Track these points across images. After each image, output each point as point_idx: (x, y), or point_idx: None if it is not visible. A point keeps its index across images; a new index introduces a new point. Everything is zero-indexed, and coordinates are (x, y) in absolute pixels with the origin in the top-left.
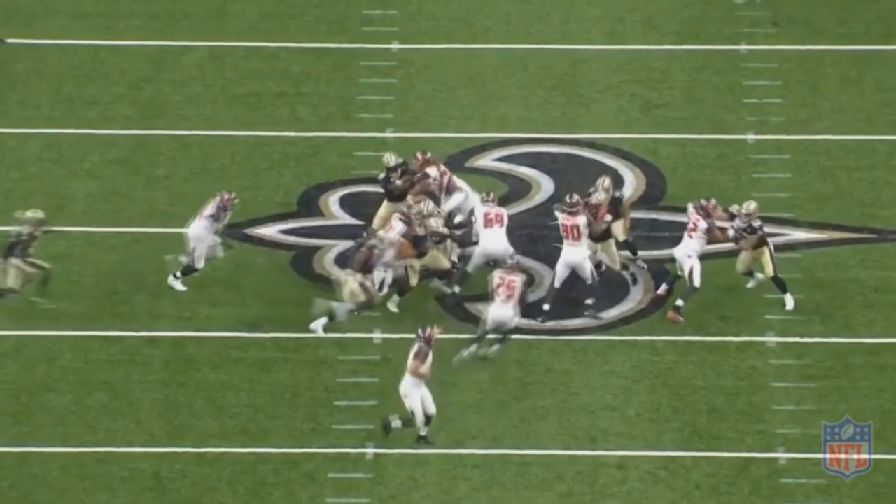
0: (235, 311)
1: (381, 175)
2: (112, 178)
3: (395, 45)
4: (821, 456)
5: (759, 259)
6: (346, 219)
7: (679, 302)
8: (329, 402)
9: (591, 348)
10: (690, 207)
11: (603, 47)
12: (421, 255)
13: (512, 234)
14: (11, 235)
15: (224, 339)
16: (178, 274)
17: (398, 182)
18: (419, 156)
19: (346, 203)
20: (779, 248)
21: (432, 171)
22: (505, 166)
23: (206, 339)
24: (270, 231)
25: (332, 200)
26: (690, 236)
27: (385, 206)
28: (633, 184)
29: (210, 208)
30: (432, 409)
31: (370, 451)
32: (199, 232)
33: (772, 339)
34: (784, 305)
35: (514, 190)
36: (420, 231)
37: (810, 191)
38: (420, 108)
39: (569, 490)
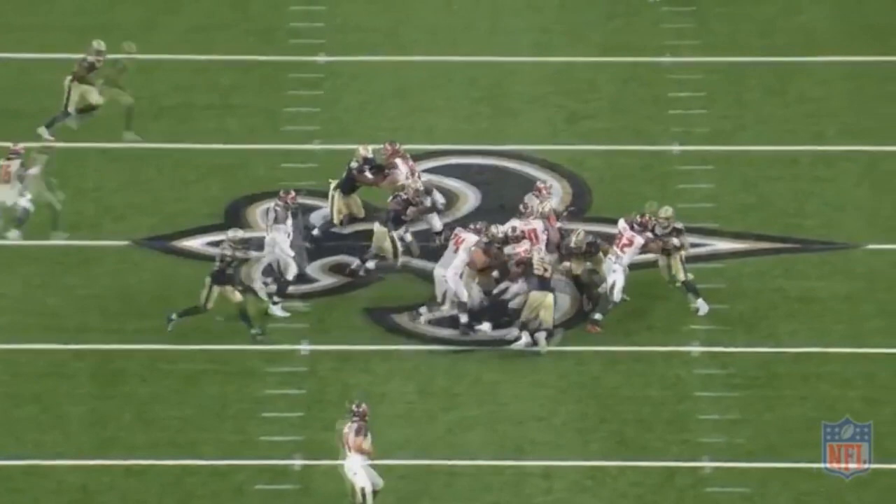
0: (163, 323)
1: (355, 164)
2: None
3: (321, 57)
4: (744, 465)
5: (673, 264)
6: None
7: (597, 315)
8: (257, 413)
9: (519, 359)
10: (623, 223)
11: (529, 59)
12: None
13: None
14: (220, 259)
15: (152, 352)
16: (275, 298)
17: (369, 175)
18: (388, 146)
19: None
20: (703, 258)
21: (401, 164)
22: (432, 178)
23: (134, 351)
24: (197, 243)
25: (260, 212)
26: (623, 251)
27: (340, 198)
28: (559, 195)
29: (270, 212)
30: (380, 482)
31: (298, 462)
32: (275, 236)
33: (697, 349)
34: (697, 311)
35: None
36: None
37: (734, 201)
38: (347, 120)
39: (496, 500)
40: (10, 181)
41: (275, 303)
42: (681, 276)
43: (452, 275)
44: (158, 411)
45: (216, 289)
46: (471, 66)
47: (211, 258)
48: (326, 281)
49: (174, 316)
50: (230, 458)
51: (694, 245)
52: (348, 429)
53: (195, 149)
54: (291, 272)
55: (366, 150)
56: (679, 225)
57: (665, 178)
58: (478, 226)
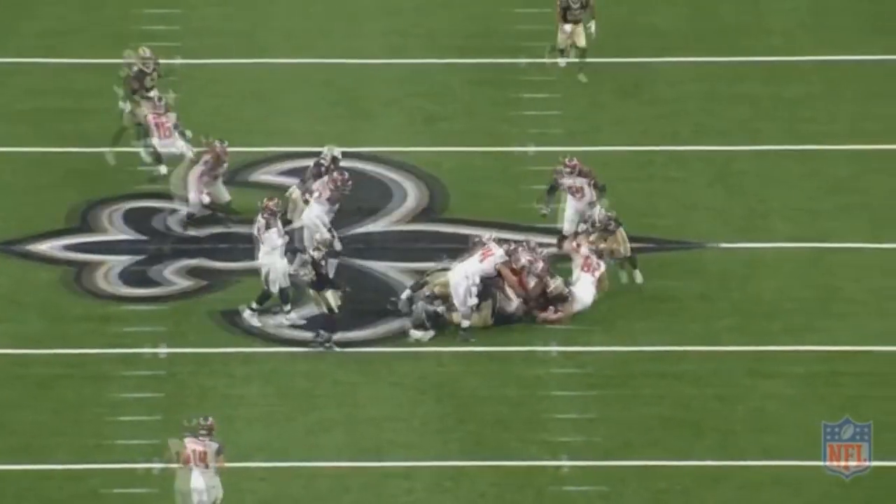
0: (17, 327)
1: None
2: None
3: (177, 60)
4: (602, 463)
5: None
6: (128, 234)
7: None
8: (113, 417)
9: (378, 360)
10: (584, 249)
11: (385, 61)
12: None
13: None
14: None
15: (5, 357)
16: (254, 305)
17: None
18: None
19: (129, 218)
20: (559, 258)
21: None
22: (289, 180)
23: None
24: (52, 247)
25: (115, 215)
26: (587, 273)
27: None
28: (416, 197)
29: (257, 222)
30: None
31: (156, 466)
32: (268, 245)
33: (554, 349)
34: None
35: None
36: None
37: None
38: (204, 123)
39: (356, 501)
40: (172, 135)
41: (252, 310)
42: (626, 251)
43: (467, 279)
44: (12, 416)
45: (326, 294)
46: (327, 69)
47: (63, 262)
48: (183, 283)
49: (321, 334)
50: (86, 463)
51: (550, 246)
52: (203, 446)
53: (50, 152)
54: (275, 286)
55: (334, 152)
56: (613, 214)
57: (520, 179)
58: (511, 246)
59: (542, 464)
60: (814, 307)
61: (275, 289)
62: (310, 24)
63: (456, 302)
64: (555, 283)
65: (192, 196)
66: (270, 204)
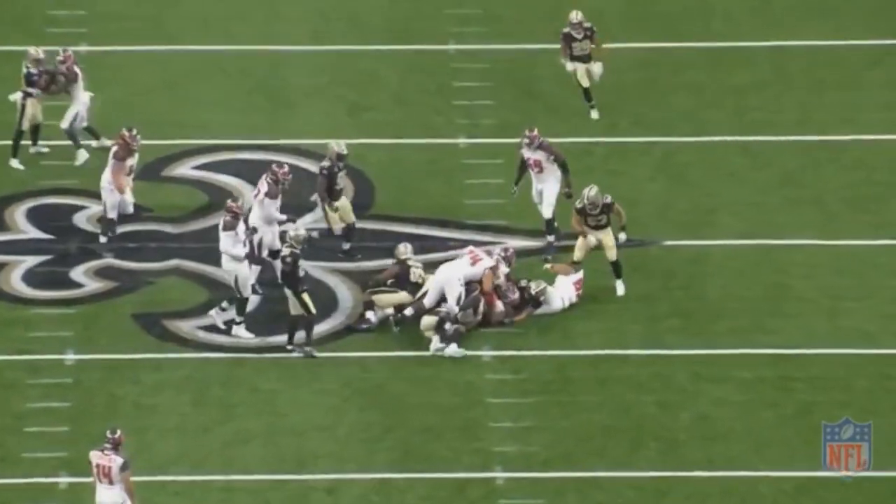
0: None
1: (327, 163)
2: None
3: (83, 47)
4: (539, 475)
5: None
6: (33, 233)
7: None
8: (18, 428)
9: (300, 365)
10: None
11: (307, 48)
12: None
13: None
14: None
15: None
16: (237, 319)
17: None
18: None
19: (34, 216)
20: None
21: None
22: (204, 175)
23: None
24: None
25: (19, 213)
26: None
27: (329, 210)
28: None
29: (220, 223)
30: None
31: (63, 480)
32: (226, 247)
33: (488, 353)
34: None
35: (215, 200)
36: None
37: (525, 197)
38: (112, 115)
39: None
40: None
41: (237, 323)
42: (612, 256)
43: (458, 280)
44: None
45: (302, 295)
46: (244, 56)
47: None
48: (92, 285)
49: (290, 347)
50: None
51: (484, 244)
52: (109, 461)
53: None
54: (247, 290)
55: (339, 147)
56: (608, 200)
57: (452, 172)
58: (501, 253)
59: (476, 475)
60: (762, 307)
61: (247, 293)
62: (224, 9)
63: (427, 301)
64: (538, 288)
65: (112, 196)
66: (233, 205)
